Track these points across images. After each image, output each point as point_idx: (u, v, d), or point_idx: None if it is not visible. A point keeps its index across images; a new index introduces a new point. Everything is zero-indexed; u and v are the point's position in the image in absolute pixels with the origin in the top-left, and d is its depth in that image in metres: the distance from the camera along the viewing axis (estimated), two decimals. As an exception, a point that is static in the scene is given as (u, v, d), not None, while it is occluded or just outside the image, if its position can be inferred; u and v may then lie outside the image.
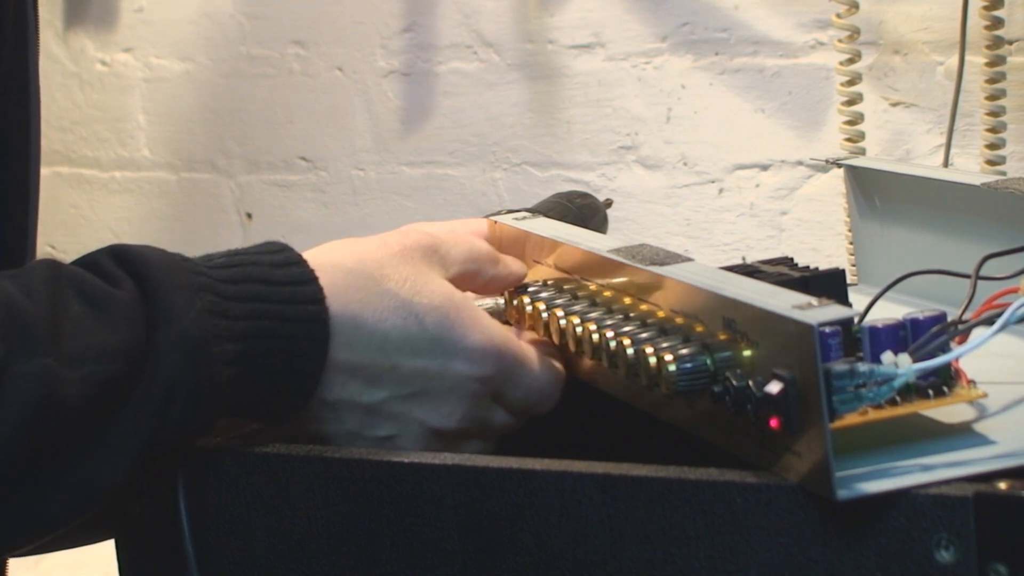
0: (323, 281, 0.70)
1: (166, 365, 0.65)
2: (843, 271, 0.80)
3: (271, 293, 0.69)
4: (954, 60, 1.29)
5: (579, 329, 0.73)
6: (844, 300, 0.79)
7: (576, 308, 0.75)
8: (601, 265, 0.74)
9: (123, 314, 0.65)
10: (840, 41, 1.27)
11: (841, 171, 1.03)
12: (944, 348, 0.63)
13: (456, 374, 0.73)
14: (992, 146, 1.25)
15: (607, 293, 0.74)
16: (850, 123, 1.28)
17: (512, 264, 0.80)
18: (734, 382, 0.62)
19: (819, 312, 0.59)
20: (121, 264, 0.67)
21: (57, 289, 0.65)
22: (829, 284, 0.78)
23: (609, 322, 0.71)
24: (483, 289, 0.79)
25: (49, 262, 0.67)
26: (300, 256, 0.71)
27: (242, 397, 0.69)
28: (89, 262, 0.68)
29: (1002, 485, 0.57)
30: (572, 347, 0.74)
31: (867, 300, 0.80)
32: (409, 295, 0.72)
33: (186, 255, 0.69)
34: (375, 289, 0.71)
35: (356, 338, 0.70)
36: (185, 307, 0.66)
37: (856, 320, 0.61)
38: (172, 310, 0.65)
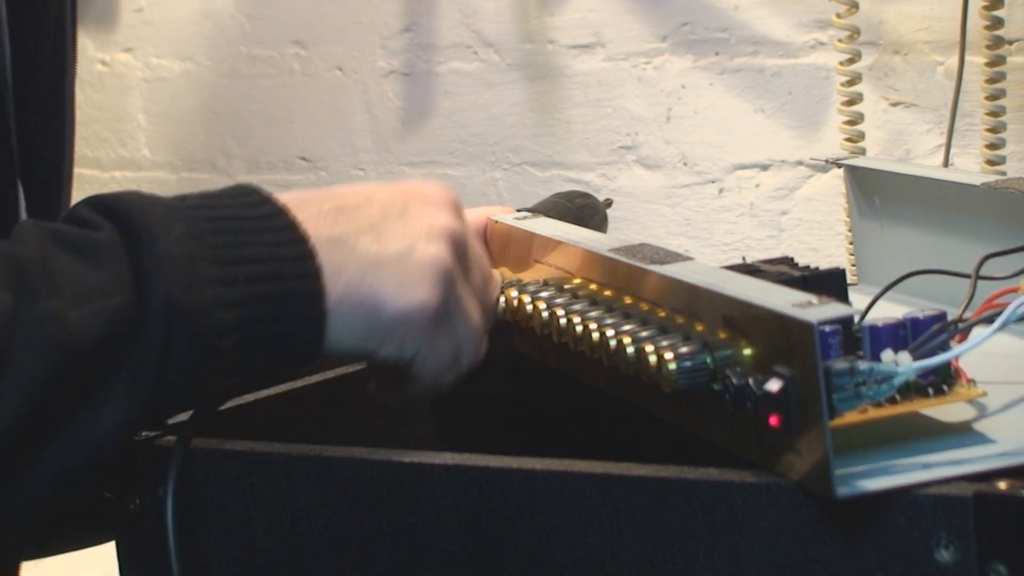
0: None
1: (158, 287, 0.66)
2: (843, 271, 0.80)
3: (245, 226, 0.71)
4: (954, 60, 1.29)
5: (579, 328, 0.73)
6: (844, 300, 0.79)
7: (576, 307, 0.75)
8: (601, 264, 0.74)
9: (107, 252, 0.67)
10: (840, 41, 1.27)
11: (841, 171, 1.03)
12: (944, 347, 0.63)
13: (429, 194, 0.74)
14: (992, 146, 1.25)
15: (607, 292, 0.74)
16: (850, 123, 1.28)
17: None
18: (734, 380, 0.62)
19: (819, 310, 0.59)
20: (97, 210, 0.69)
21: (44, 243, 0.66)
22: (829, 284, 0.78)
23: (609, 321, 0.71)
24: None
25: (30, 222, 0.68)
26: (269, 194, 0.73)
27: (243, 308, 0.68)
28: (69, 216, 0.70)
29: (1002, 485, 0.57)
30: (572, 346, 0.74)
31: (867, 300, 0.80)
32: None
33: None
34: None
35: (326, 210, 0.72)
36: (164, 232, 0.67)
37: (856, 319, 0.60)
38: (152, 237, 0.67)
